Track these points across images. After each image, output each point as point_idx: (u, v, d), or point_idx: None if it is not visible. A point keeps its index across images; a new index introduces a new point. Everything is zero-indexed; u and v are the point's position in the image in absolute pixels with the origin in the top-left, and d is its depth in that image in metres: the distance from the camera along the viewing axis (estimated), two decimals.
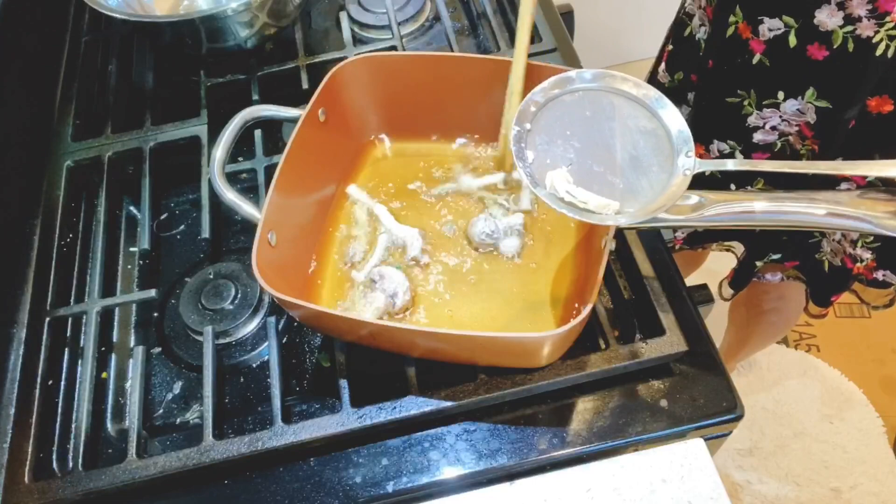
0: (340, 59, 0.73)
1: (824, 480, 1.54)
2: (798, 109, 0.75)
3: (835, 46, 0.68)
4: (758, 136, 0.81)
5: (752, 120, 0.79)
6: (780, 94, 0.75)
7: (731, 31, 0.75)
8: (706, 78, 0.83)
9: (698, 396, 0.63)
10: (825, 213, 0.56)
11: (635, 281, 0.68)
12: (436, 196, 0.75)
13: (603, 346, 0.64)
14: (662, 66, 0.96)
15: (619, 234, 0.67)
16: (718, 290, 1.14)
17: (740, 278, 1.03)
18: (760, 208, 0.58)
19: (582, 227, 0.71)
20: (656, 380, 0.64)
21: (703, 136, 0.86)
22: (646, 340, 0.62)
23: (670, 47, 0.93)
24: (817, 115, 0.75)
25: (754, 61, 0.74)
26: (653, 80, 1.00)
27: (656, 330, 0.63)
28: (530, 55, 0.76)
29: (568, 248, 0.70)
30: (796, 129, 0.78)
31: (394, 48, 0.89)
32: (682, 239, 1.05)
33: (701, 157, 0.84)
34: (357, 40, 0.95)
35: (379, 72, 0.74)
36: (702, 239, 1.05)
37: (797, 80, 0.73)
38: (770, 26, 0.71)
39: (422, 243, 0.70)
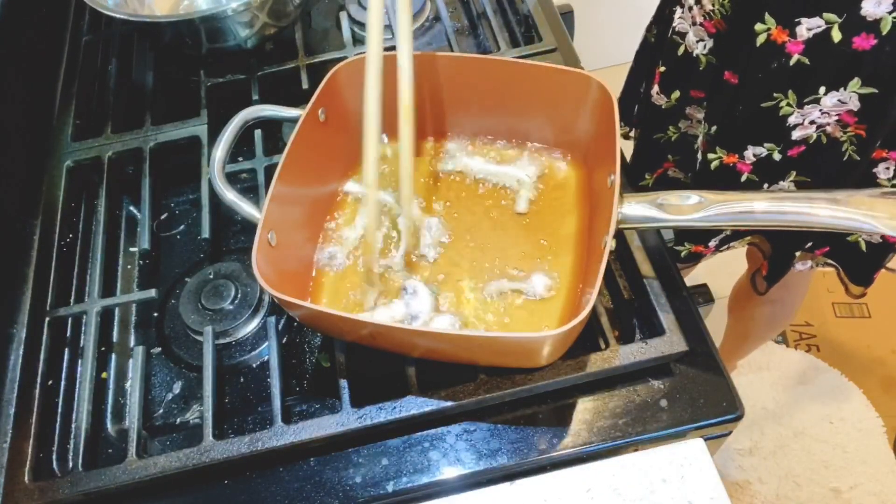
0: (340, 59, 0.73)
1: (824, 480, 1.54)
2: (839, 100, 0.75)
3: (884, 34, 0.68)
4: (797, 134, 0.80)
5: (793, 119, 0.78)
6: (822, 90, 0.75)
7: (762, 39, 0.74)
8: (734, 91, 0.81)
9: (698, 396, 0.63)
10: (825, 213, 0.56)
11: (635, 281, 0.68)
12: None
13: (603, 346, 0.64)
14: (656, 87, 0.94)
15: (619, 234, 0.67)
16: (751, 283, 1.14)
17: (777, 269, 1.02)
18: (760, 208, 0.58)
19: (581, 228, 0.71)
20: (656, 380, 0.64)
21: (733, 144, 0.84)
22: (646, 340, 0.62)
23: (662, 68, 0.92)
24: (861, 102, 0.74)
25: (792, 62, 0.73)
26: (645, 101, 0.99)
27: (656, 330, 0.63)
28: (530, 55, 0.77)
29: (567, 247, 0.70)
30: (836, 118, 0.77)
31: (394, 48, 0.89)
32: (714, 247, 1.02)
33: (734, 165, 0.85)
34: (357, 40, 0.95)
35: None
36: (730, 239, 1.03)
37: (840, 73, 0.73)
38: (809, 25, 0.70)
39: (437, 234, 0.70)
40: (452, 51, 0.88)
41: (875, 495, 1.52)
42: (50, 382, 0.69)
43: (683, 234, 1.02)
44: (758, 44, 0.74)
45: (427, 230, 0.71)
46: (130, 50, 0.97)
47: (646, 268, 0.67)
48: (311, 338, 0.72)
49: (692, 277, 1.38)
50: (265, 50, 0.92)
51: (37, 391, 0.66)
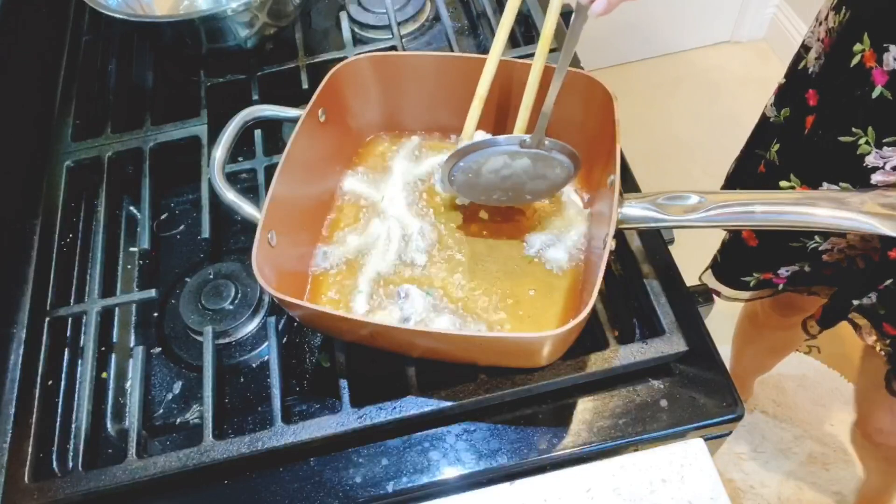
0: (340, 59, 0.73)
1: (826, 484, 1.53)
2: None
3: None
4: (877, 178, 0.72)
5: (871, 160, 0.72)
6: None
7: (856, 60, 0.69)
8: (815, 113, 0.77)
9: (698, 396, 0.63)
10: (826, 214, 0.56)
11: (635, 281, 0.68)
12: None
13: (603, 346, 0.64)
14: (771, 98, 0.90)
15: (619, 234, 0.67)
16: (804, 329, 1.05)
17: (830, 314, 0.94)
18: (760, 209, 0.58)
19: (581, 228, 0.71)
20: (656, 380, 0.64)
21: (811, 177, 0.79)
22: (646, 340, 0.62)
23: (782, 80, 0.88)
24: None
25: (874, 94, 0.68)
26: (763, 114, 0.94)
27: (656, 330, 0.63)
28: (530, 55, 0.76)
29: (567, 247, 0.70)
30: None
31: (394, 48, 0.89)
32: (785, 277, 0.94)
33: None
34: (357, 40, 0.95)
35: (379, 72, 0.74)
36: (807, 280, 0.93)
37: None
38: None
39: (425, 243, 0.70)
40: (452, 51, 0.88)
41: None
42: (50, 382, 0.68)
43: (748, 261, 0.96)
44: (851, 65, 0.69)
45: (420, 235, 0.71)
46: (130, 50, 0.97)
47: (646, 268, 0.67)
48: (311, 338, 0.72)
49: (691, 278, 1.38)
50: (265, 50, 0.92)
51: (37, 391, 0.66)
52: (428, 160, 0.77)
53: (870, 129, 0.71)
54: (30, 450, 0.63)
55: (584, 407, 0.63)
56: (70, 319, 0.73)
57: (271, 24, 0.86)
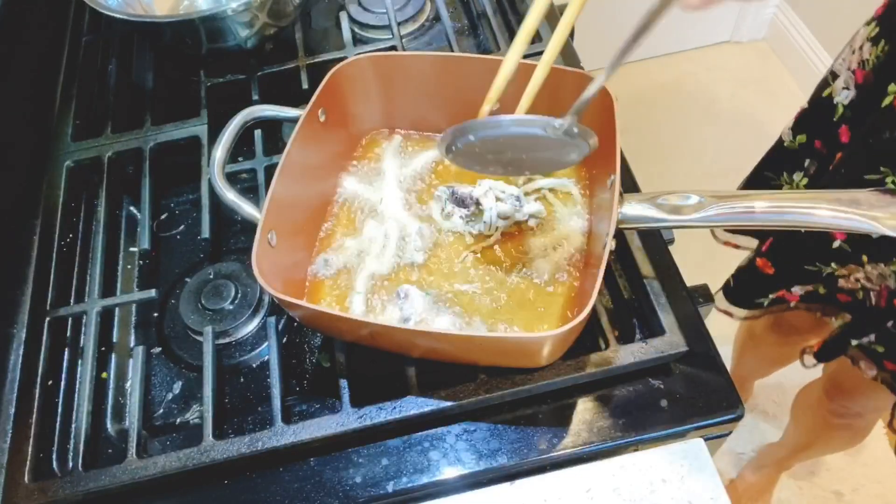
0: (340, 59, 0.73)
1: (826, 483, 1.53)
2: None
3: None
4: None
5: None
6: None
7: (888, 100, 0.67)
8: (845, 149, 0.75)
9: (698, 396, 0.63)
10: (826, 214, 0.56)
11: (635, 281, 0.68)
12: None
13: (603, 346, 0.64)
14: (791, 123, 0.88)
15: (619, 234, 0.67)
16: (800, 358, 1.05)
17: (829, 350, 0.93)
18: (761, 208, 0.58)
19: (581, 227, 0.71)
20: (656, 380, 0.64)
21: None
22: (646, 340, 0.62)
23: (805, 105, 0.85)
24: None
25: None
26: (780, 137, 0.92)
27: (656, 330, 0.63)
28: (530, 55, 0.76)
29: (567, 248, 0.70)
30: None
31: (394, 48, 0.89)
32: (798, 296, 0.92)
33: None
34: (357, 40, 0.95)
35: (379, 72, 0.74)
36: (821, 300, 0.91)
37: None
38: None
39: (424, 243, 0.70)
40: (452, 51, 0.88)
41: (877, 497, 1.51)
42: (50, 382, 0.68)
43: (763, 286, 0.94)
44: (882, 105, 0.68)
45: (418, 235, 0.71)
46: (130, 50, 0.97)
47: (646, 268, 0.67)
48: (311, 338, 0.72)
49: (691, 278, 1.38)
50: (265, 50, 0.92)
51: (37, 391, 0.66)
52: (419, 156, 0.77)
53: None
54: (30, 450, 0.63)
55: (584, 407, 0.63)
56: (70, 319, 0.73)
57: (271, 24, 0.86)
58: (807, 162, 0.87)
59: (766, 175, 0.95)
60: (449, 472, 0.61)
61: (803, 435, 1.33)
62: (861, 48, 0.75)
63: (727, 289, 1.02)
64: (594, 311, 0.61)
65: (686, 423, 0.62)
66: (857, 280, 0.77)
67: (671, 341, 0.62)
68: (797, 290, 0.89)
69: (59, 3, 1.02)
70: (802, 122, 0.87)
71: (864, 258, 0.73)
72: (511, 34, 0.93)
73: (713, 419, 0.62)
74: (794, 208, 0.57)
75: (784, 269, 0.88)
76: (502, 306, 0.67)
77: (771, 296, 0.95)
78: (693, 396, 0.63)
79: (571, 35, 0.95)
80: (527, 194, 0.73)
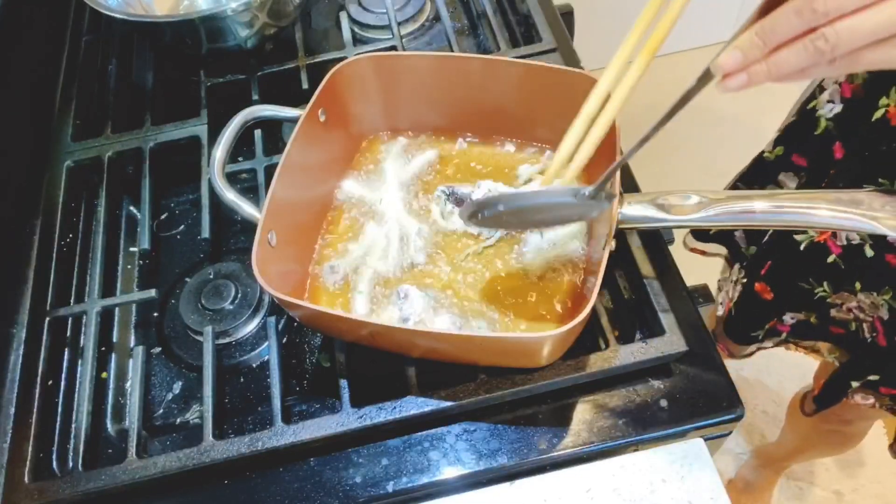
0: (340, 59, 0.73)
1: (826, 483, 1.53)
2: None
3: None
4: None
5: None
6: None
7: (879, 113, 0.66)
8: (839, 165, 0.74)
9: (698, 396, 0.63)
10: (826, 214, 0.56)
11: (635, 281, 0.68)
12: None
13: (603, 346, 0.64)
14: (776, 134, 0.87)
15: (619, 234, 0.67)
16: (800, 405, 1.03)
17: (829, 395, 0.92)
18: (761, 208, 0.58)
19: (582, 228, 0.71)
20: (656, 380, 0.64)
21: None
22: (646, 340, 0.62)
23: (793, 118, 0.84)
24: None
25: None
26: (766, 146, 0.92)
27: (656, 330, 0.63)
28: (530, 55, 0.76)
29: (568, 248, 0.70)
30: None
31: (394, 48, 0.89)
32: (790, 326, 0.91)
33: (825, 242, 0.76)
34: (357, 40, 0.95)
35: (379, 72, 0.74)
36: (812, 334, 0.90)
37: None
38: None
39: (423, 243, 0.70)
40: (452, 51, 0.88)
41: (877, 497, 1.51)
42: (50, 382, 0.68)
43: (761, 314, 0.92)
44: (873, 118, 0.67)
45: (418, 235, 0.71)
46: (130, 50, 0.97)
47: (646, 268, 0.67)
48: (311, 338, 0.72)
49: (691, 278, 1.37)
50: (265, 50, 0.92)
51: (37, 391, 0.66)
52: (418, 158, 0.77)
53: None
54: (30, 450, 0.63)
55: (584, 407, 0.63)
56: (70, 319, 0.73)
57: (271, 24, 0.86)
58: (781, 175, 0.86)
59: (738, 186, 0.94)
60: (449, 472, 0.61)
61: (796, 439, 1.33)
62: None
63: (729, 320, 1.00)
64: (594, 311, 0.61)
65: (686, 423, 0.62)
66: (850, 310, 0.77)
67: (671, 341, 0.62)
68: (789, 320, 0.88)
69: (59, 3, 1.02)
70: (787, 135, 0.86)
71: (858, 286, 0.73)
72: (511, 34, 0.93)
73: (713, 419, 0.62)
74: (794, 208, 0.57)
75: (781, 292, 0.87)
76: (502, 306, 0.67)
77: (766, 326, 0.93)
78: (693, 396, 0.63)
79: (573, 37, 0.95)
80: None
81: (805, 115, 0.82)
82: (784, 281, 0.86)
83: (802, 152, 0.83)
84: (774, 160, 0.87)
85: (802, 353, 0.98)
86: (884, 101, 0.67)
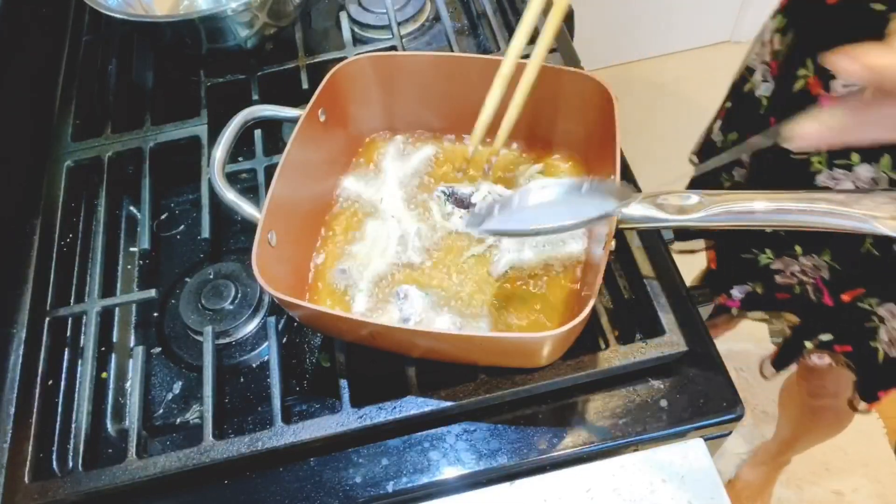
0: (340, 59, 0.73)
1: (826, 483, 1.53)
2: (872, 178, 0.68)
3: None
4: None
5: (822, 179, 0.72)
6: (855, 157, 0.68)
7: (799, 84, 0.69)
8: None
9: (698, 396, 0.63)
10: (826, 213, 0.56)
11: (635, 281, 0.68)
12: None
13: (603, 346, 0.64)
14: (718, 123, 0.90)
15: (619, 234, 0.67)
16: (759, 369, 1.05)
17: (785, 357, 0.95)
18: (761, 208, 0.57)
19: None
20: (656, 380, 0.64)
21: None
22: (646, 340, 0.62)
23: (728, 104, 0.87)
24: (893, 186, 0.67)
25: None
26: (707, 136, 0.94)
27: (656, 330, 0.63)
28: (530, 55, 0.76)
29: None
30: None
31: (394, 48, 0.89)
32: (738, 300, 0.94)
33: None
34: (357, 40, 0.95)
35: (379, 72, 0.74)
36: (761, 304, 0.93)
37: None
38: (845, 82, 0.65)
39: (423, 243, 0.70)
40: (452, 51, 0.88)
41: (877, 497, 1.51)
42: (50, 382, 0.69)
43: (710, 284, 0.95)
44: (794, 90, 0.70)
45: (417, 235, 0.71)
46: (130, 50, 0.97)
47: (646, 268, 0.67)
48: (311, 338, 0.72)
49: (691, 278, 1.38)
50: (265, 50, 0.92)
51: (37, 391, 0.66)
52: (418, 155, 0.77)
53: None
54: (30, 450, 0.63)
55: (584, 407, 0.63)
56: (70, 319, 0.73)
57: (271, 24, 0.86)
58: (745, 157, 0.87)
59: (705, 176, 0.96)
60: (449, 472, 0.61)
61: (790, 425, 1.34)
62: (771, 41, 0.77)
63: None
64: (594, 311, 0.61)
65: (686, 423, 0.62)
66: (793, 274, 0.78)
67: (671, 341, 0.62)
68: (737, 294, 0.89)
69: (59, 3, 1.02)
70: (730, 120, 0.89)
71: (799, 249, 0.74)
72: (511, 34, 0.92)
73: (713, 419, 0.62)
74: (794, 206, 0.57)
75: (725, 263, 0.90)
76: (502, 306, 0.67)
77: (716, 301, 0.95)
78: (693, 396, 0.63)
79: (573, 37, 0.95)
80: None
81: (745, 98, 0.84)
82: (729, 253, 0.88)
83: (756, 131, 0.84)
84: (732, 146, 0.89)
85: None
86: (802, 71, 0.69)
